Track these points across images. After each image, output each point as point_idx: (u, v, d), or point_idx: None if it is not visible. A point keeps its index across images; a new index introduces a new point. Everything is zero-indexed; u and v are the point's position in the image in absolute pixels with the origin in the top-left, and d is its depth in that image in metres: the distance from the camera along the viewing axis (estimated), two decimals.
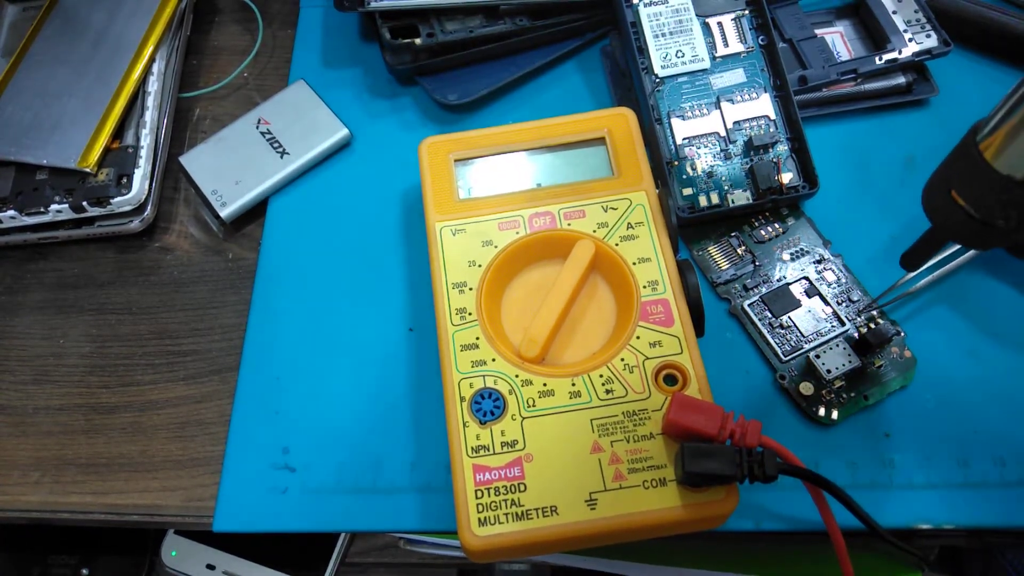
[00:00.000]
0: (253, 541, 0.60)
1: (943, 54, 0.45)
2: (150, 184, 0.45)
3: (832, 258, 0.42)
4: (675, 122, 0.43)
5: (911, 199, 0.44)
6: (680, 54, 0.44)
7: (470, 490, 0.33)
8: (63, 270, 0.46)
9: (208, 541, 0.60)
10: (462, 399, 0.35)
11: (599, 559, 0.52)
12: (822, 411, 0.38)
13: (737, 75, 0.44)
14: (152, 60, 0.47)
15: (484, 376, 0.35)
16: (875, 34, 0.46)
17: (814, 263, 0.42)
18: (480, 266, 0.38)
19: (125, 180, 0.44)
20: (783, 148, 0.43)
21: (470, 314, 0.37)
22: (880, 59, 0.45)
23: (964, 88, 0.47)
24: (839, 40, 0.47)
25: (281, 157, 0.46)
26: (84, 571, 0.61)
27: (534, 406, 0.34)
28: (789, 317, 0.40)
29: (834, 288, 0.41)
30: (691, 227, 0.43)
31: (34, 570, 0.61)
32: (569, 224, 0.39)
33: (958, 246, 0.40)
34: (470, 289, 0.37)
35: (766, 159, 0.42)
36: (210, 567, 0.59)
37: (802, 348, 0.39)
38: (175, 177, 0.48)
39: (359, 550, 0.61)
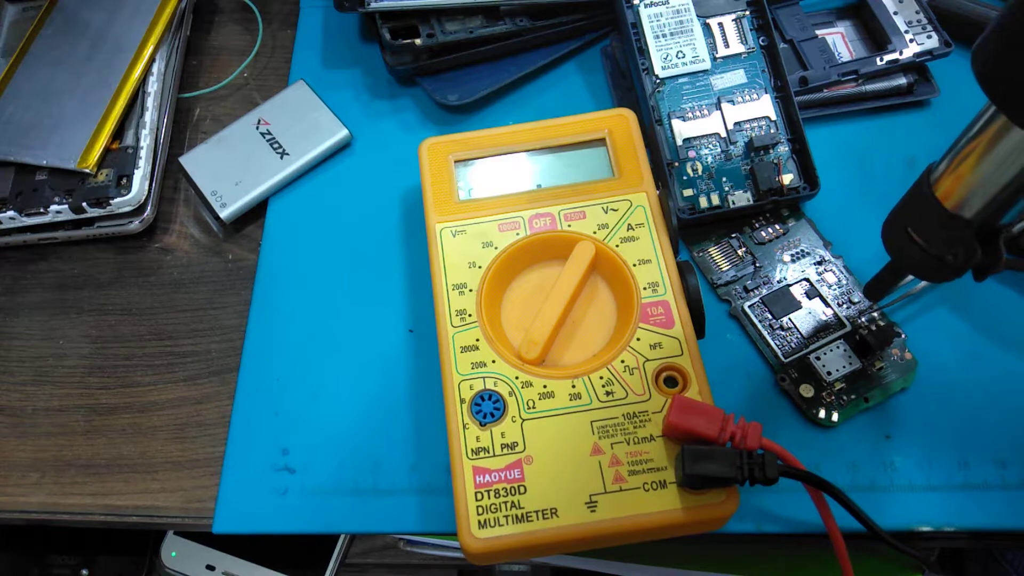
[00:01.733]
0: (253, 542, 0.60)
1: (944, 55, 0.45)
2: (150, 185, 0.45)
3: (833, 259, 0.42)
4: (676, 123, 0.43)
5: None
6: (681, 55, 0.44)
7: (470, 492, 0.33)
8: (63, 271, 0.46)
9: (208, 542, 0.60)
10: (462, 401, 0.35)
11: (600, 560, 0.52)
12: (822, 413, 0.38)
13: (738, 76, 0.44)
14: (152, 60, 0.47)
15: (484, 378, 0.35)
16: (876, 35, 0.46)
17: (815, 264, 0.42)
18: (480, 267, 0.38)
19: (125, 181, 0.44)
20: (784, 149, 0.43)
21: (470, 315, 0.37)
22: (881, 60, 0.45)
23: (965, 89, 0.46)
24: (840, 41, 0.47)
25: (281, 158, 0.46)
26: (84, 572, 0.61)
27: (534, 408, 0.34)
28: (790, 319, 0.40)
29: (835, 290, 0.41)
30: (692, 228, 0.43)
31: (34, 570, 0.61)
32: (569, 225, 0.39)
33: None
34: (470, 290, 0.37)
35: (767, 160, 0.42)
36: (210, 568, 0.59)
37: (802, 350, 0.39)
38: (175, 178, 0.48)
39: (359, 551, 0.61)
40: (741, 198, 0.42)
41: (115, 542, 0.62)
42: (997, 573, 0.63)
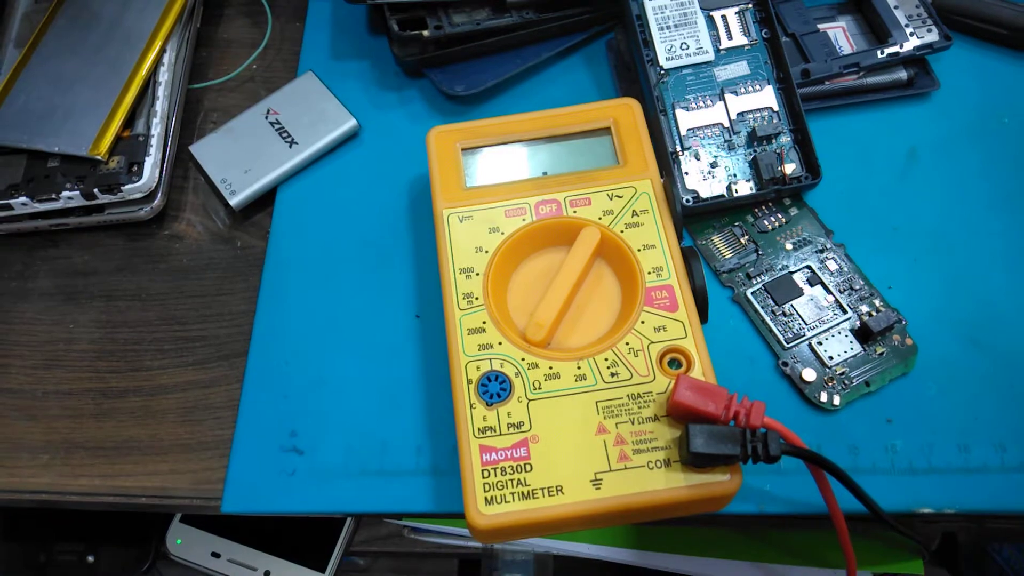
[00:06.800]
0: (258, 529, 0.61)
1: (944, 48, 0.46)
2: (160, 172, 0.46)
3: (834, 248, 0.42)
4: (680, 113, 0.43)
5: (912, 190, 0.44)
6: (685, 46, 0.44)
7: (477, 470, 0.33)
8: (73, 257, 0.47)
9: (213, 529, 0.60)
10: (469, 381, 0.35)
11: (602, 547, 0.53)
12: (824, 396, 0.39)
13: (741, 67, 0.44)
14: (163, 51, 0.48)
15: (491, 359, 0.36)
16: (877, 29, 0.47)
17: (816, 252, 0.42)
18: (487, 252, 0.38)
19: (136, 168, 0.45)
20: (786, 139, 0.43)
21: (477, 298, 0.37)
22: (882, 53, 0.45)
23: (965, 82, 0.47)
24: (841, 35, 0.48)
25: (290, 147, 0.47)
26: (89, 558, 0.61)
27: (540, 388, 0.35)
28: (791, 305, 0.41)
29: (836, 277, 0.41)
30: (695, 216, 0.43)
31: (40, 557, 0.62)
32: (575, 211, 0.39)
33: None
34: (477, 274, 0.38)
35: (769, 150, 0.43)
36: (215, 555, 0.60)
37: (804, 335, 0.40)
38: (185, 166, 0.49)
39: (363, 539, 0.61)
40: (744, 187, 0.42)
41: (121, 529, 0.63)
42: (990, 566, 0.63)
